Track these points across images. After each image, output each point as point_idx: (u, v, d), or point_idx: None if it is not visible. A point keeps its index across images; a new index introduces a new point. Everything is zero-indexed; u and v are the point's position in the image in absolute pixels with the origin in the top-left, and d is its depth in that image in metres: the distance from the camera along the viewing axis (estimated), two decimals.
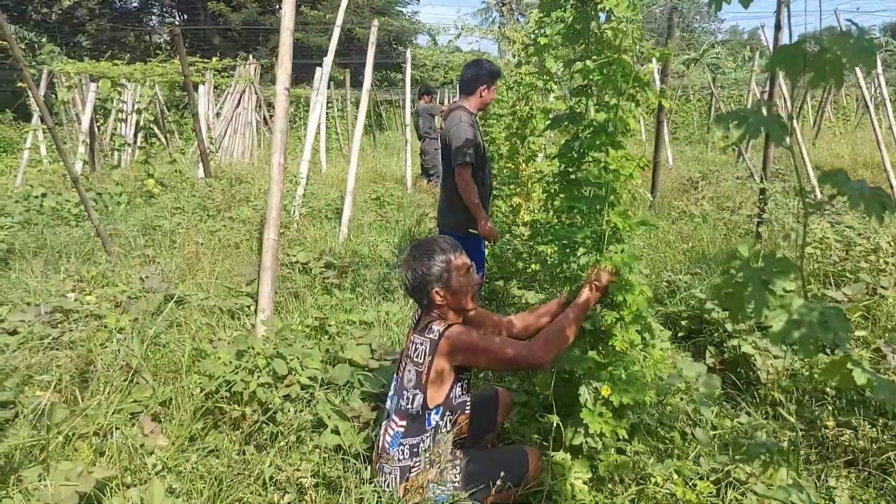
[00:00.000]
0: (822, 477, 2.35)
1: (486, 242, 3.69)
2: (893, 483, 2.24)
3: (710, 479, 2.20)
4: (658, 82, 8.72)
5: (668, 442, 2.43)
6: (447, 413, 2.11)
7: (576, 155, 2.46)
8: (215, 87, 12.35)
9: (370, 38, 6.18)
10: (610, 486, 2.19)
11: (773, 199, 4.64)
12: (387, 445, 2.09)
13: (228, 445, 2.37)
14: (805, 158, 6.82)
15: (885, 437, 2.46)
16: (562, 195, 2.54)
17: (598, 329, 2.33)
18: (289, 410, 2.47)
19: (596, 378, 2.15)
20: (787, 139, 1.10)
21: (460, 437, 2.15)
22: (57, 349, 3.00)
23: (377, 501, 2.02)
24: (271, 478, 2.20)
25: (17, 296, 3.81)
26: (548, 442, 2.21)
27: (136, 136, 11.08)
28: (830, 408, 2.70)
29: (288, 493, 2.15)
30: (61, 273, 4.14)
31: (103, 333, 3.13)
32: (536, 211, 4.56)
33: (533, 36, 4.19)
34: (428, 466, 2.07)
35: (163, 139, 11.67)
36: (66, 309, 3.37)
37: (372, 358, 2.89)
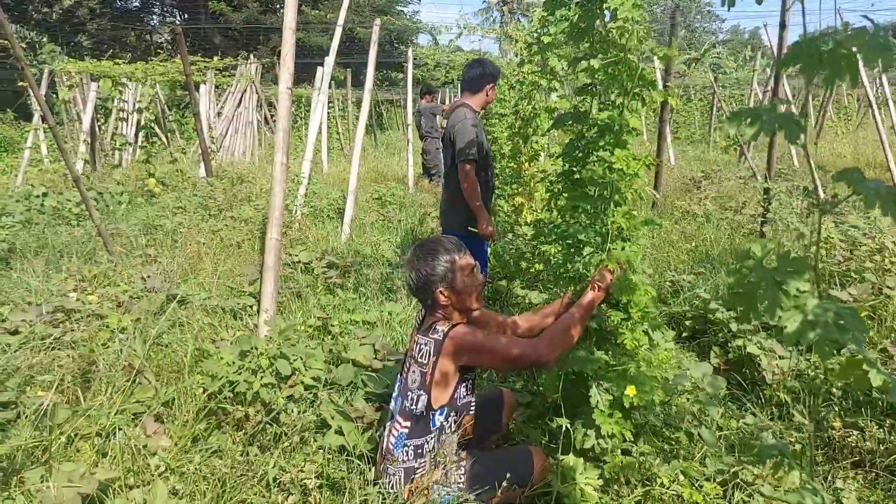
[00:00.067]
0: (829, 478, 2.33)
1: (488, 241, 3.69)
2: None
3: (717, 480, 2.19)
4: (661, 82, 8.71)
5: (673, 443, 2.41)
6: (452, 414, 2.09)
7: (580, 154, 2.44)
8: (216, 87, 12.35)
9: (372, 38, 6.17)
10: (615, 487, 2.18)
11: (776, 198, 4.62)
12: (391, 447, 2.07)
13: (232, 446, 2.35)
14: (809, 158, 6.80)
15: (893, 437, 2.44)
16: (566, 195, 2.52)
17: (603, 329, 2.32)
18: (292, 411, 2.45)
19: (605, 379, 2.13)
20: (802, 137, 1.08)
21: (465, 438, 2.13)
22: (59, 349, 2.98)
23: (382, 503, 2.00)
24: (275, 479, 2.19)
25: (18, 295, 3.80)
26: (554, 443, 2.20)
27: (137, 135, 11.07)
28: (837, 408, 2.69)
29: (292, 494, 2.13)
30: (63, 273, 4.13)
31: (105, 333, 3.11)
32: (539, 210, 4.54)
33: (536, 35, 4.18)
34: (433, 468, 2.06)
35: (164, 138, 11.67)
36: (68, 309, 3.36)
37: (375, 358, 2.88)
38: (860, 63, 1.02)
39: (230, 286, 4.11)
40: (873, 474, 2.34)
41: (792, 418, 2.71)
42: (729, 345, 3.24)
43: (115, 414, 2.46)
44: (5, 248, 4.91)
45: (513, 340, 2.09)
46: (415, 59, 10.10)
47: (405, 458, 2.05)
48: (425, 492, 2.02)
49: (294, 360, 2.63)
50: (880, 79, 9.33)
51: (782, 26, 3.57)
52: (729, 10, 1.09)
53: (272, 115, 13.01)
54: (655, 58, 2.21)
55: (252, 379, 2.49)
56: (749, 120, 1.10)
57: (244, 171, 9.08)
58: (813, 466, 2.10)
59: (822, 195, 6.35)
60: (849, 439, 2.47)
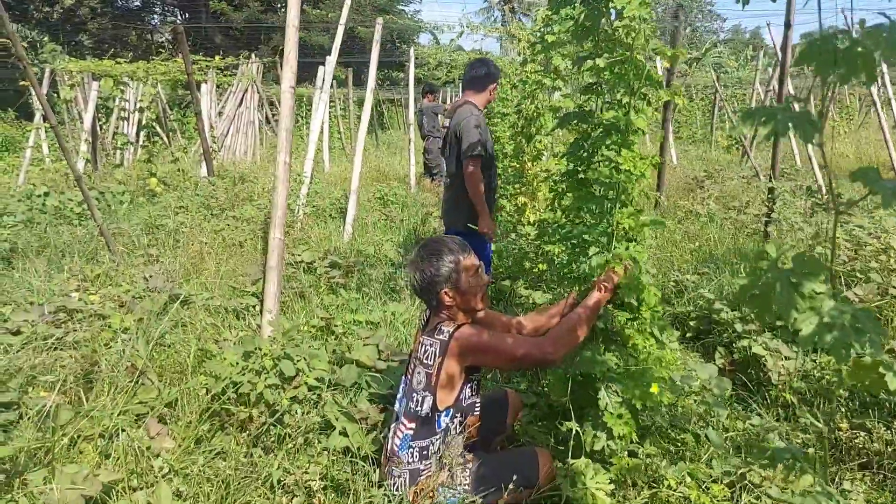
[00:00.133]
0: (837, 480, 2.31)
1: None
2: None
3: (724, 482, 2.17)
4: (664, 81, 8.68)
5: (679, 444, 2.40)
6: (457, 415, 2.08)
7: (585, 154, 2.43)
8: (217, 86, 12.33)
9: (374, 37, 6.15)
10: (622, 489, 2.16)
11: (780, 198, 4.60)
12: (396, 448, 2.06)
13: (235, 448, 2.34)
14: (812, 158, 6.79)
15: None
16: (570, 194, 2.50)
17: (609, 330, 2.30)
18: (296, 412, 2.44)
19: (614, 380, 2.12)
20: (817, 137, 1.06)
21: (470, 439, 2.12)
22: (61, 349, 2.97)
23: None
24: (279, 481, 2.17)
25: (20, 295, 3.79)
26: (560, 445, 2.18)
27: (138, 134, 11.06)
28: (844, 410, 2.67)
29: (296, 496, 2.12)
30: (65, 272, 4.12)
31: (108, 334, 3.10)
32: (542, 210, 4.53)
33: (539, 34, 4.16)
34: (438, 469, 2.04)
35: (165, 138, 11.65)
36: (70, 309, 3.34)
37: (379, 359, 2.87)
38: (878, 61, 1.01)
39: (233, 286, 4.09)
40: (881, 476, 2.32)
41: (798, 419, 2.69)
42: (734, 345, 3.22)
43: (118, 415, 2.45)
44: (7, 248, 4.90)
45: (518, 340, 2.08)
46: (416, 58, 10.08)
47: (410, 460, 2.03)
48: (431, 494, 2.01)
49: (298, 361, 2.61)
50: (883, 78, 9.31)
51: (787, 25, 3.55)
52: (744, 7, 1.07)
53: (273, 115, 13.00)
54: (658, 57, 2.19)
55: (256, 380, 2.48)
56: (763, 119, 1.08)
57: (246, 170, 9.07)
58: (827, 470, 2.08)
59: (824, 194, 6.33)
60: (856, 441, 2.45)
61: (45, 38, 20.87)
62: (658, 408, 2.30)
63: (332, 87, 8.48)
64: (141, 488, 2.10)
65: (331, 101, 11.51)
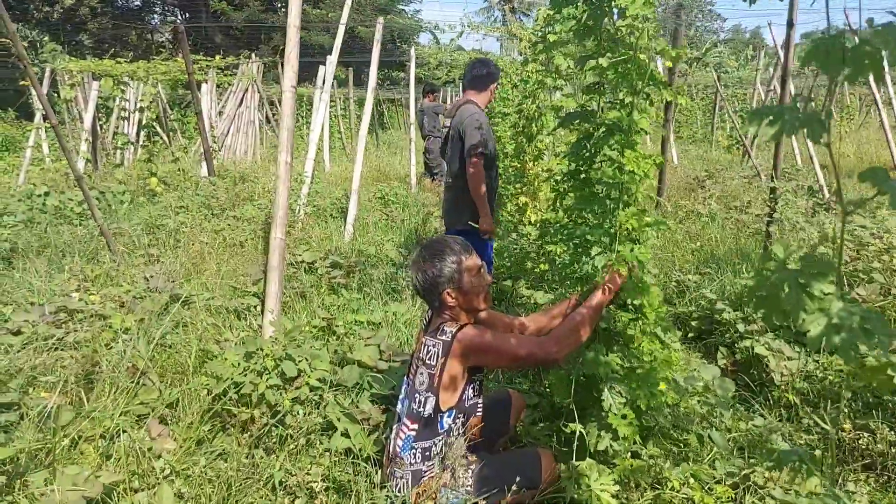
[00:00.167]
0: (841, 481, 2.30)
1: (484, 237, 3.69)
2: None
3: (727, 483, 2.16)
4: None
5: (682, 445, 2.39)
6: (459, 416, 2.07)
7: (588, 154, 2.42)
8: (217, 86, 12.31)
9: (376, 36, 6.14)
10: (625, 491, 2.15)
11: (783, 198, 4.59)
12: (398, 449, 2.05)
13: (237, 449, 2.33)
14: (813, 157, 6.78)
15: None
16: (572, 194, 2.50)
17: (612, 330, 2.30)
18: (298, 413, 2.43)
19: (617, 381, 2.11)
20: (825, 137, 1.05)
21: (473, 440, 2.11)
22: (62, 350, 2.96)
23: None
24: (281, 482, 2.16)
25: (20, 295, 3.78)
26: (564, 446, 2.17)
27: (138, 134, 11.04)
28: (847, 410, 2.66)
29: (298, 497, 2.11)
30: (65, 272, 4.11)
31: (108, 334, 3.09)
32: (543, 210, 4.52)
33: (541, 33, 4.15)
34: (441, 470, 2.03)
35: (165, 138, 11.64)
36: (71, 309, 3.33)
37: (381, 359, 2.86)
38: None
39: (234, 286, 4.08)
40: (885, 477, 2.32)
41: (801, 420, 2.68)
42: (736, 346, 3.21)
43: (119, 416, 2.44)
44: (7, 248, 4.89)
45: (521, 340, 2.08)
46: (417, 57, 10.05)
47: (413, 461, 2.02)
48: (433, 495, 2.00)
49: (300, 362, 2.60)
50: (884, 78, 9.30)
51: (790, 24, 3.54)
52: (751, 6, 1.06)
53: (274, 114, 12.98)
54: (658, 57, 2.17)
55: (258, 380, 2.47)
56: (771, 119, 1.07)
57: (246, 170, 9.06)
58: (834, 473, 2.07)
59: (826, 194, 6.33)
60: (859, 442, 2.44)
61: (46, 38, 20.87)
62: (661, 408, 2.29)
63: (332, 86, 8.46)
64: (142, 490, 2.09)
65: (331, 101, 11.49)
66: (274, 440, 2.40)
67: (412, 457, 2.03)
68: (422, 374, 2.04)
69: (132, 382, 2.67)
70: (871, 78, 1.05)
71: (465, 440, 2.06)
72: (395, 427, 2.14)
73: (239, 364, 2.57)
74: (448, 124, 3.74)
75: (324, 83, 7.01)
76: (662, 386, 2.01)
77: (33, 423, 2.32)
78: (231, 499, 2.10)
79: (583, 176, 2.45)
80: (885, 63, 1.01)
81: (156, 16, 30.74)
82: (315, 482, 2.12)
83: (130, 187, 7.56)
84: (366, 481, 2.15)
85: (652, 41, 2.20)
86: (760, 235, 4.83)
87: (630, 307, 2.23)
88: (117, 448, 2.25)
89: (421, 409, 2.02)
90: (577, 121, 2.42)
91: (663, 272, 4.38)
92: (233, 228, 5.48)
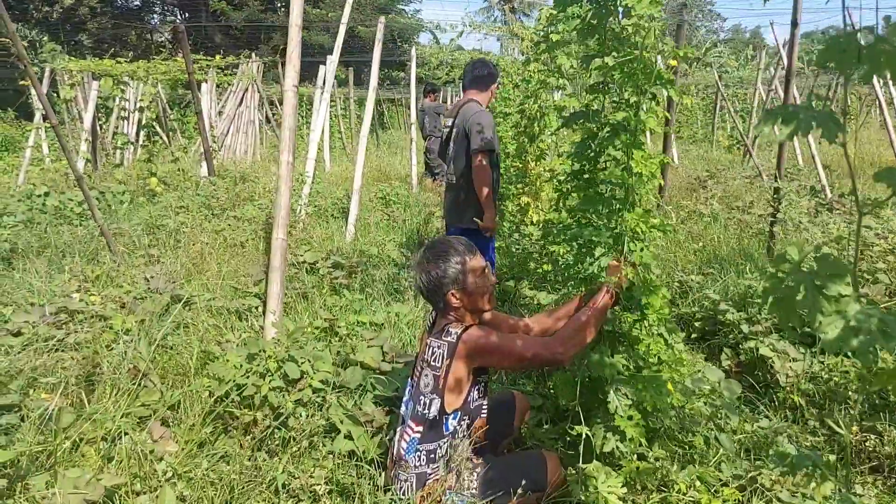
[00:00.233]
0: (848, 483, 2.29)
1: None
2: None
3: (734, 485, 2.14)
4: None
5: (687, 447, 2.37)
6: (465, 418, 2.06)
7: (592, 154, 2.40)
8: (217, 86, 12.29)
9: (377, 36, 6.12)
10: (632, 493, 2.14)
11: (786, 198, 4.58)
12: (402, 452, 2.04)
13: (239, 451, 2.31)
14: (815, 157, 6.76)
15: None
16: (576, 195, 2.48)
17: (617, 332, 2.28)
18: (301, 415, 2.41)
19: (623, 382, 2.09)
20: (840, 137, 1.04)
21: (479, 443, 2.09)
22: (62, 351, 2.94)
23: None
24: (284, 485, 2.15)
25: (21, 296, 3.76)
26: (569, 448, 2.16)
27: (138, 134, 11.02)
28: (853, 412, 2.64)
29: (301, 500, 2.10)
30: (65, 273, 4.09)
31: (109, 335, 3.08)
32: (546, 210, 4.50)
33: (543, 33, 4.13)
34: (446, 473, 2.02)
35: (165, 138, 11.61)
36: (71, 310, 3.31)
37: (384, 360, 2.84)
38: None
39: (235, 287, 4.06)
40: (893, 480, 2.30)
41: (807, 422, 2.67)
42: (740, 346, 3.19)
43: (121, 418, 2.42)
44: (7, 248, 4.86)
45: (527, 341, 2.06)
46: (417, 57, 10.03)
47: (418, 464, 2.01)
48: (438, 498, 1.98)
49: (302, 363, 2.58)
50: (885, 77, 9.28)
51: (794, 24, 3.52)
52: (765, 3, 1.04)
53: (273, 114, 12.96)
54: (659, 56, 2.15)
55: (260, 382, 2.45)
56: (785, 118, 1.06)
57: (246, 170, 9.04)
58: (849, 477, 2.05)
59: (828, 194, 6.31)
60: (866, 444, 2.42)
61: (45, 38, 20.84)
62: (667, 410, 2.27)
63: (332, 86, 8.43)
64: (144, 493, 2.07)
65: (331, 101, 11.47)
66: (277, 442, 2.38)
67: (417, 459, 2.01)
68: (426, 375, 2.03)
69: (133, 384, 2.65)
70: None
71: (471, 442, 2.05)
72: (399, 429, 2.12)
73: (241, 366, 2.55)
74: (449, 123, 3.72)
75: (324, 83, 6.99)
76: (670, 387, 1.99)
77: (34, 425, 2.30)
78: (234, 502, 2.09)
79: (586, 176, 2.44)
80: None
81: (155, 15, 30.73)
82: (318, 485, 2.10)
83: (130, 187, 7.53)
84: (369, 484, 2.13)
85: (658, 41, 2.19)
86: (763, 236, 4.81)
87: (635, 308, 2.21)
88: (119, 450, 2.23)
89: (426, 411, 2.01)
90: (581, 120, 2.40)
91: (666, 272, 4.36)
92: (233, 228, 5.46)
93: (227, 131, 11.50)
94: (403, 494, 2.01)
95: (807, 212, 5.18)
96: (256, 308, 3.66)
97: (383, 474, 2.18)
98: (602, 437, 2.07)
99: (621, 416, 2.03)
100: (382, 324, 3.43)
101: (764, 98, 10.92)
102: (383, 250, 5.17)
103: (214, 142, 10.08)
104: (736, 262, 4.37)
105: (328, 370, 2.64)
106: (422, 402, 2.02)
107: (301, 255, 4.48)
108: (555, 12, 2.56)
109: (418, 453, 2.01)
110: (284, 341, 2.85)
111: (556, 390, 2.35)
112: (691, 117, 16.12)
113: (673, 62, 2.34)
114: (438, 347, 2.02)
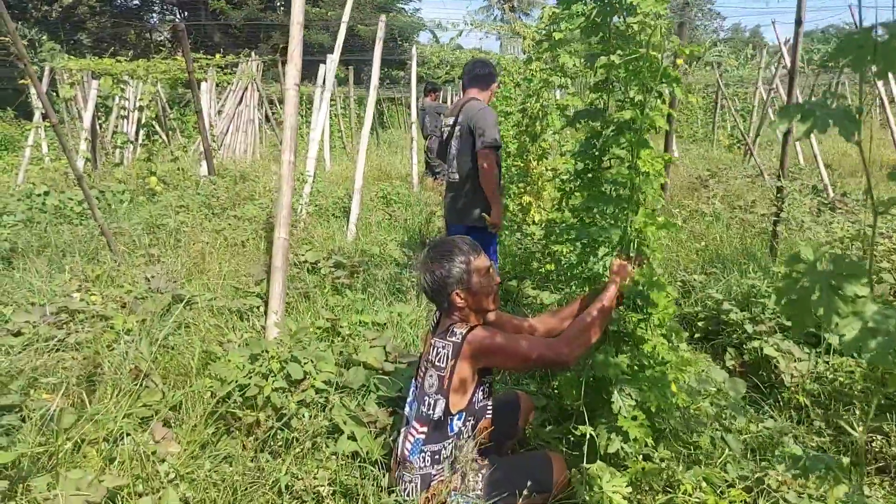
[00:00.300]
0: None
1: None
2: None
3: (740, 486, 2.13)
4: None
5: (693, 448, 2.36)
6: (469, 418, 2.04)
7: (597, 153, 2.39)
8: (217, 85, 12.26)
9: (378, 34, 6.10)
10: (637, 494, 2.12)
11: (789, 197, 4.56)
12: (407, 453, 2.02)
13: (242, 452, 2.30)
14: (817, 156, 6.75)
15: None
16: (580, 194, 2.46)
17: (621, 332, 2.27)
18: (304, 416, 2.40)
19: (627, 383, 2.08)
20: (856, 134, 1.02)
21: (484, 444, 2.08)
22: (63, 351, 2.92)
23: None
24: (287, 486, 2.13)
25: (21, 296, 3.74)
26: (574, 449, 2.14)
27: (137, 133, 10.99)
28: (859, 413, 2.63)
29: (305, 502, 2.08)
30: (66, 272, 4.07)
31: (110, 335, 3.06)
32: (547, 210, 4.48)
33: (545, 31, 4.11)
34: (450, 474, 2.00)
35: (165, 137, 11.58)
36: (72, 309, 3.30)
37: (386, 360, 2.82)
38: None
39: (236, 286, 4.04)
40: None
41: (812, 422, 2.65)
42: (744, 346, 3.18)
43: (123, 418, 2.40)
44: (7, 248, 4.84)
45: (532, 341, 2.05)
46: (418, 56, 10.00)
47: (422, 465, 1.99)
48: (443, 499, 1.97)
49: (305, 364, 2.57)
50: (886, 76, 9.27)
51: (798, 22, 3.51)
52: (767, 4, 1.02)
53: (273, 113, 12.93)
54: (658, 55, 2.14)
55: (263, 383, 2.43)
56: (800, 116, 1.04)
57: (246, 169, 9.01)
58: (863, 480, 2.03)
59: (830, 194, 6.30)
60: (873, 444, 2.41)
61: (44, 37, 20.78)
62: (671, 411, 2.26)
63: (332, 85, 8.41)
64: (147, 494, 2.05)
65: (331, 100, 11.45)
66: (279, 443, 2.37)
67: (421, 460, 1.99)
68: (431, 376, 2.01)
69: (135, 384, 2.64)
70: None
71: (475, 443, 2.03)
72: (403, 430, 2.11)
73: (243, 366, 2.53)
74: (449, 123, 3.69)
75: (325, 82, 6.97)
76: (674, 387, 1.98)
77: (35, 426, 2.28)
78: (237, 503, 2.07)
79: (591, 175, 2.42)
80: None
81: (155, 14, 30.68)
82: (322, 486, 2.08)
83: (130, 186, 7.51)
84: (373, 485, 2.12)
85: (664, 38, 2.17)
86: (766, 235, 4.79)
87: (639, 307, 2.20)
88: (121, 451, 2.22)
89: (430, 411, 1.99)
90: (586, 119, 2.39)
91: (668, 272, 4.35)
92: (234, 228, 5.44)
93: (227, 130, 11.48)
94: (408, 496, 1.99)
95: (809, 211, 5.17)
96: (258, 308, 3.65)
97: (387, 475, 2.16)
98: (606, 438, 2.06)
99: (625, 417, 2.01)
100: (385, 324, 3.41)
101: (764, 97, 10.91)
102: (385, 250, 5.15)
103: (214, 141, 10.05)
104: (739, 261, 4.35)
105: (331, 370, 2.63)
106: (426, 402, 2.01)
107: (302, 255, 4.46)
108: (558, 10, 2.55)
109: (423, 454, 2.00)
110: (287, 341, 2.83)
111: (560, 390, 2.34)
112: (692, 116, 16.10)
113: (679, 60, 2.32)
114: (443, 348, 2.00)
